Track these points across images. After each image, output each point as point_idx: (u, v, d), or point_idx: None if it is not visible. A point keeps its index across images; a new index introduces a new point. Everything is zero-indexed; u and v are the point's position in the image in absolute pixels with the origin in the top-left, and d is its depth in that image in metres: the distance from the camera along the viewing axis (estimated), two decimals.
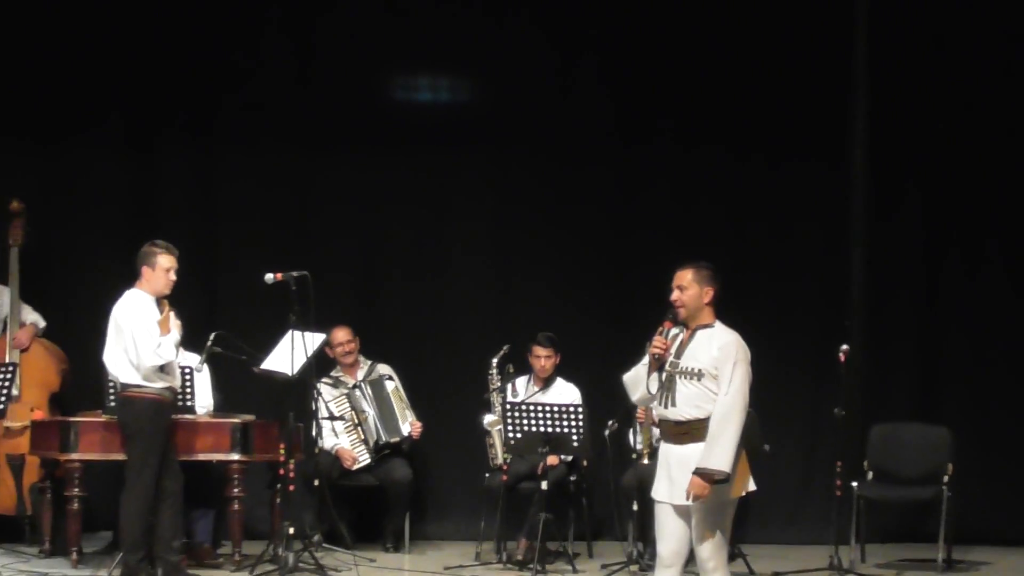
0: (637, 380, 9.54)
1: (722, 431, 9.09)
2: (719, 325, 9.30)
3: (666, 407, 9.28)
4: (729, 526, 9.43)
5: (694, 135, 14.65)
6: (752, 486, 9.44)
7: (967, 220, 14.63)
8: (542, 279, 14.39)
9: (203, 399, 13.02)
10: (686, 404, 9.23)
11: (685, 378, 9.24)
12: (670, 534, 9.42)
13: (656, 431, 10.84)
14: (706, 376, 9.21)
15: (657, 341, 9.32)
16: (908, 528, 13.76)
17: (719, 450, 9.04)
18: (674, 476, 9.28)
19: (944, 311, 14.63)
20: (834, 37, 14.60)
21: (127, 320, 11.78)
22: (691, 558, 9.50)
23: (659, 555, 9.48)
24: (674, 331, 9.31)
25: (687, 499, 9.15)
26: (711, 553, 9.31)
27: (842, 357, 12.60)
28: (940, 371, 14.57)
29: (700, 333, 9.27)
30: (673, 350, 9.31)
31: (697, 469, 8.96)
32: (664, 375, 9.34)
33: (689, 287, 9.26)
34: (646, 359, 9.47)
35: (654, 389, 9.33)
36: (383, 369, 13.96)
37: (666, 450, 9.44)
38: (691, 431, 9.24)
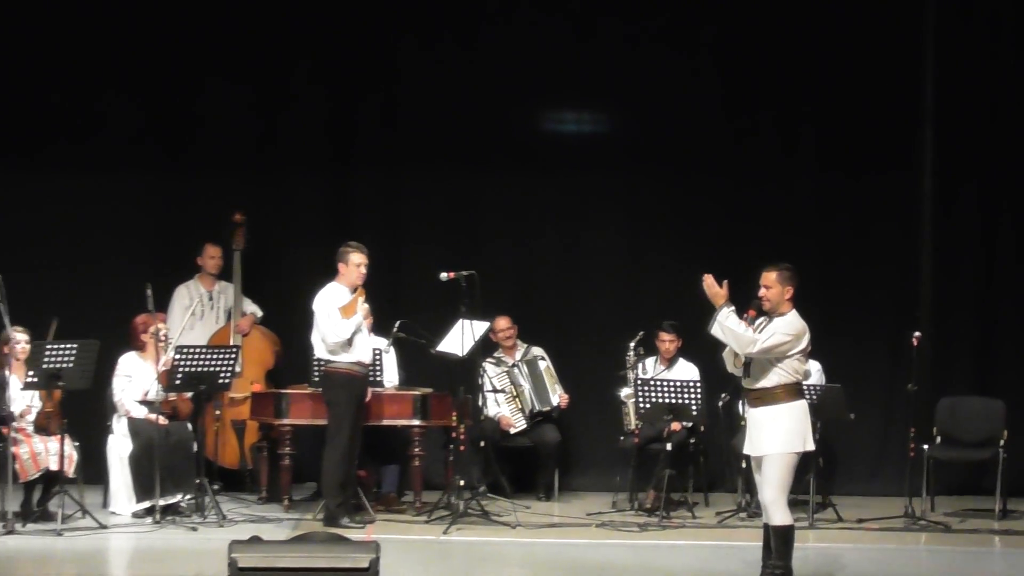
0: (727, 352, 9.91)
1: (736, 328, 9.52)
2: (792, 313, 9.65)
3: (745, 377, 9.75)
4: (789, 477, 9.68)
5: (792, 145, 14.67)
6: (811, 446, 9.78)
7: (1019, 213, 14.58)
8: (666, 276, 14.25)
9: (390, 375, 13.39)
10: (759, 375, 9.66)
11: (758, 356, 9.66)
12: (759, 483, 9.87)
13: None
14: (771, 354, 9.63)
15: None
16: (970, 483, 13.68)
17: (718, 326, 9.54)
18: (752, 434, 9.76)
19: (999, 300, 14.53)
20: (904, 65, 14.48)
21: (316, 306, 12.24)
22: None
23: (760, 502, 9.95)
24: (760, 320, 9.62)
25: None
26: (773, 498, 9.68)
27: (914, 342, 12.73)
28: (997, 353, 14.44)
29: (777, 320, 9.65)
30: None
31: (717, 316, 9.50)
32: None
33: (772, 286, 9.66)
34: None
35: (740, 363, 9.74)
36: (537, 351, 14.14)
37: (748, 413, 9.88)
38: (763, 396, 9.66)
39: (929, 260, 14.41)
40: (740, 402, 12.31)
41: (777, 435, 9.73)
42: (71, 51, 14.53)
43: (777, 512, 9.77)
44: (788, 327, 9.65)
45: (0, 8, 14.48)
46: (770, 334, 9.59)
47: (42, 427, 12.44)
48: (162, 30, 14.59)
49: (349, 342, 12.23)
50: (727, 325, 9.52)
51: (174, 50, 14.60)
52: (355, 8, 14.70)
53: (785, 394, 9.78)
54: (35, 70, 14.54)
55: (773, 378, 9.72)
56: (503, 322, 14.04)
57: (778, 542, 9.84)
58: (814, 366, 12.79)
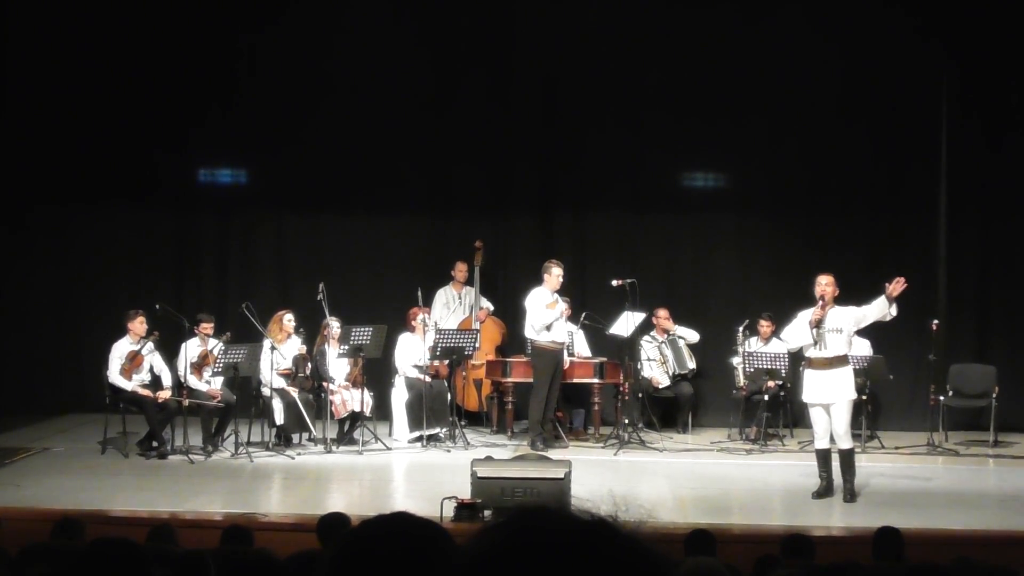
0: (795, 334, 10.07)
1: (875, 304, 9.80)
2: (838, 305, 9.95)
3: (821, 350, 9.87)
4: (850, 416, 9.98)
5: (824, 179, 14.18)
6: (856, 395, 10.06)
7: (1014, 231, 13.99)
8: (764, 283, 14.15)
9: (581, 350, 13.49)
10: (834, 347, 9.85)
11: (833, 333, 9.87)
12: (823, 420, 10.00)
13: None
14: (844, 331, 9.89)
15: (817, 312, 9.89)
16: (973, 422, 13.42)
17: (879, 307, 9.75)
18: (825, 388, 9.85)
19: (991, 298, 14.08)
20: (928, 64, 13.74)
21: (528, 303, 12.43)
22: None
23: (816, 433, 10.12)
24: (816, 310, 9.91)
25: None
26: (846, 430, 9.97)
27: (933, 326, 12.82)
28: (991, 334, 13.98)
29: (833, 311, 9.89)
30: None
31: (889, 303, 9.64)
32: (817, 333, 9.91)
33: (829, 285, 9.94)
34: (796, 323, 10.01)
35: (815, 337, 9.86)
36: (680, 331, 13.90)
37: (815, 375, 9.95)
38: (834, 362, 9.86)
39: (944, 268, 14.16)
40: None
41: (848, 387, 9.92)
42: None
43: (848, 439, 9.94)
44: (850, 308, 9.91)
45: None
46: (862, 311, 9.85)
47: (350, 383, 12.82)
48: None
49: (549, 327, 12.39)
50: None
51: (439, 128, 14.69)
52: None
53: (847, 359, 9.99)
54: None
55: (845, 347, 9.92)
56: (663, 311, 13.97)
57: (849, 462, 10.00)
58: (865, 343, 12.82)
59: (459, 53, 14.53)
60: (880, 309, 9.89)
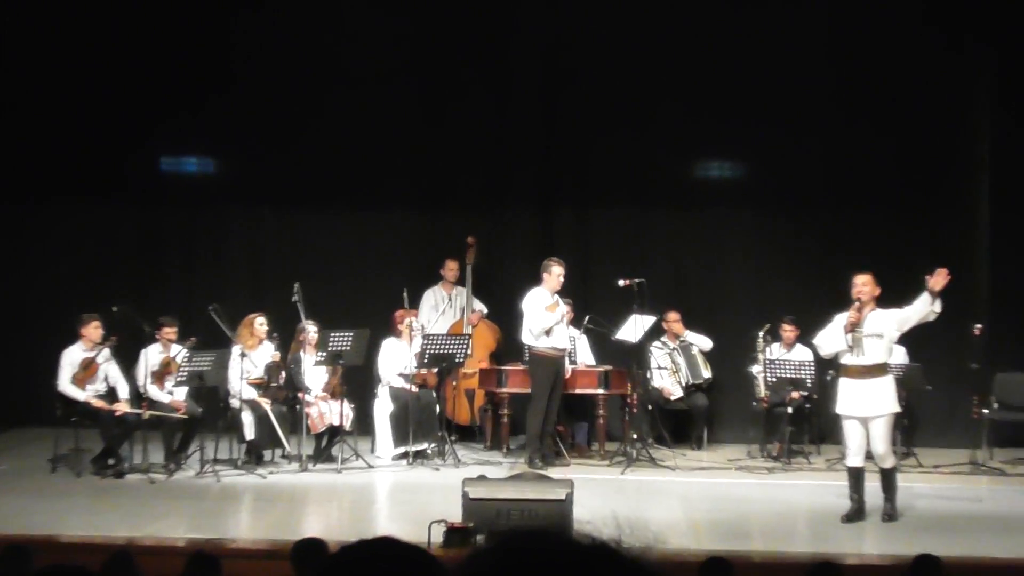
0: (829, 339, 9.81)
1: (917, 303, 9.56)
2: (879, 308, 9.71)
3: (857, 357, 9.60)
4: (891, 432, 9.73)
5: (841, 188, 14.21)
6: (899, 408, 9.80)
7: None
8: (788, 279, 14.15)
9: (584, 356, 13.41)
10: (873, 354, 9.59)
11: (872, 339, 9.61)
12: (858, 434, 9.79)
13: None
14: (885, 336, 9.62)
15: (853, 315, 9.64)
16: (1021, 438, 13.39)
17: (922, 304, 9.51)
18: (862, 399, 9.61)
19: None
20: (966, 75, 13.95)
21: (525, 305, 12.32)
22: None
23: (849, 448, 9.87)
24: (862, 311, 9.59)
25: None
26: (887, 448, 9.73)
27: (976, 332, 12.61)
28: None
29: (872, 314, 9.63)
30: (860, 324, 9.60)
31: (932, 301, 9.40)
32: (853, 338, 9.65)
33: (866, 285, 9.71)
34: (831, 327, 9.76)
35: (850, 343, 9.61)
36: (689, 337, 13.93)
37: (851, 384, 9.70)
38: (873, 370, 9.60)
39: (987, 271, 14.11)
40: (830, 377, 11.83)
41: (889, 399, 9.71)
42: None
43: (890, 457, 9.80)
44: (889, 309, 9.71)
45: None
46: (903, 311, 9.65)
47: (328, 393, 12.68)
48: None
49: (548, 332, 12.26)
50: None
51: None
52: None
53: (888, 368, 9.82)
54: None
55: (885, 355, 9.70)
56: (673, 315, 13.96)
57: (890, 481, 9.87)
58: (901, 350, 12.62)
59: (455, 37, 14.48)
60: (923, 307, 9.60)
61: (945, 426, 13.83)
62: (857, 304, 9.77)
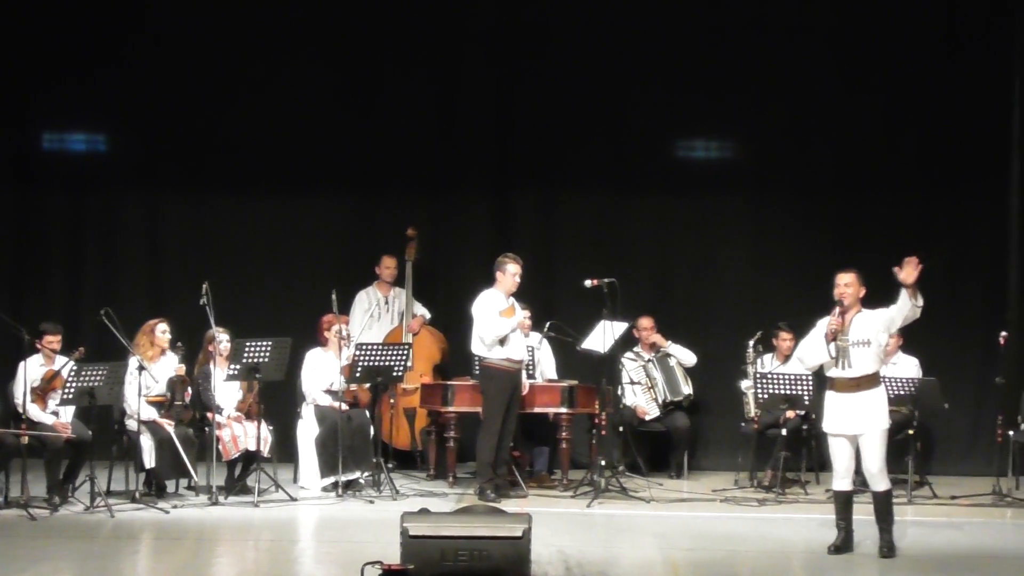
0: (810, 351, 9.92)
1: (899, 301, 9.55)
2: (866, 309, 9.77)
3: (843, 368, 9.71)
4: (884, 450, 9.79)
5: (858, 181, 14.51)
6: (888, 422, 9.85)
7: None
8: (783, 285, 14.29)
9: (546, 369, 13.49)
10: (861, 364, 9.69)
11: (858, 347, 9.68)
12: (846, 455, 9.91)
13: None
14: (872, 343, 9.70)
15: (834, 321, 9.69)
16: None
17: (902, 302, 9.51)
18: (850, 415, 9.72)
19: None
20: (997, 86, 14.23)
21: (475, 309, 12.37)
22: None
23: (836, 470, 9.94)
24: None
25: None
26: (881, 467, 9.81)
27: (1002, 341, 12.63)
28: None
29: (857, 317, 9.71)
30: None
31: (911, 295, 9.42)
32: (837, 347, 9.70)
33: (849, 286, 9.77)
34: (811, 337, 9.87)
35: (833, 353, 9.70)
36: (672, 351, 14.01)
37: (838, 399, 9.80)
38: (861, 383, 9.71)
39: (1016, 269, 14.21)
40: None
41: (880, 414, 9.86)
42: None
43: (884, 480, 9.91)
44: (877, 310, 9.81)
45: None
46: (888, 311, 9.73)
47: (242, 413, 12.66)
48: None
49: (503, 341, 12.31)
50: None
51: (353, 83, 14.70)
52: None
53: (878, 379, 9.94)
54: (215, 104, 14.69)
55: (874, 365, 9.83)
56: (646, 321, 14.07)
57: (884, 507, 9.97)
58: (912, 361, 12.79)
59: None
60: (904, 304, 9.71)
61: (965, 450, 13.94)
62: (839, 308, 9.88)
